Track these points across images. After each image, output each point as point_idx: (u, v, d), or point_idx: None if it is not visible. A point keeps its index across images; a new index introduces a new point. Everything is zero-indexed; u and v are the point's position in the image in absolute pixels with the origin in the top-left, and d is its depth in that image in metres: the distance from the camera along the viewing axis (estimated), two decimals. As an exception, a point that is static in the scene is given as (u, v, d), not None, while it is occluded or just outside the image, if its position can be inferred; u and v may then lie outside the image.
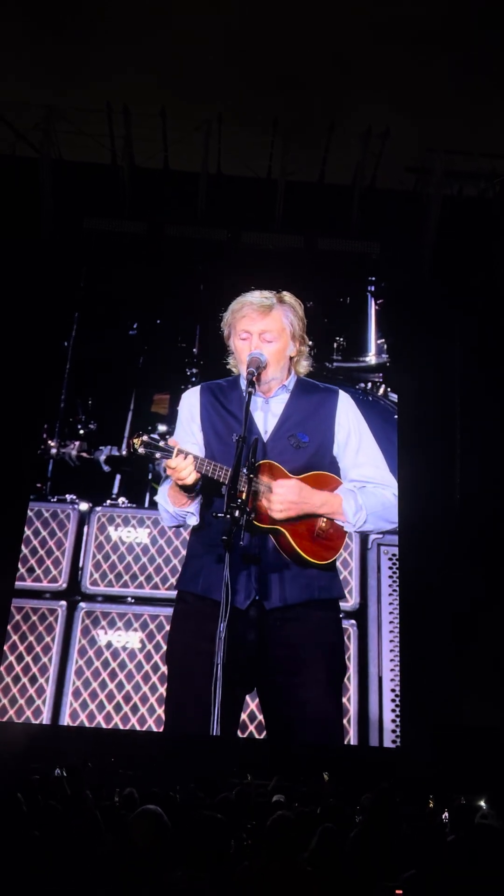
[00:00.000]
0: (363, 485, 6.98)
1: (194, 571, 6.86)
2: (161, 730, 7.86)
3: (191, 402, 7.07)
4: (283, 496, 6.41)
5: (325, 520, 6.70)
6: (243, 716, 7.68)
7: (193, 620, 6.92)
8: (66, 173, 10.12)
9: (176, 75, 10.27)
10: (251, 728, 7.78)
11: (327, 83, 10.71)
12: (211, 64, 10.31)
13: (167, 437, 6.14)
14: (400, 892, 3.15)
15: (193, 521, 6.77)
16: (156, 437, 5.81)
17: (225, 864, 3.28)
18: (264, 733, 7.59)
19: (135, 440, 5.64)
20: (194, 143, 10.11)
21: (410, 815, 5.27)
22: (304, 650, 6.96)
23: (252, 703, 7.54)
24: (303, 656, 6.96)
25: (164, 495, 6.74)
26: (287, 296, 6.94)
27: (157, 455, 5.70)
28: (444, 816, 5.91)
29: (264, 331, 6.73)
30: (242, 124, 10.16)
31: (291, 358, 6.94)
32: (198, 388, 7.16)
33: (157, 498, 6.95)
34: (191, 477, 6.01)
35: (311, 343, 7.23)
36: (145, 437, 5.68)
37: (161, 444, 5.75)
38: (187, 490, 6.31)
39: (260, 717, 7.53)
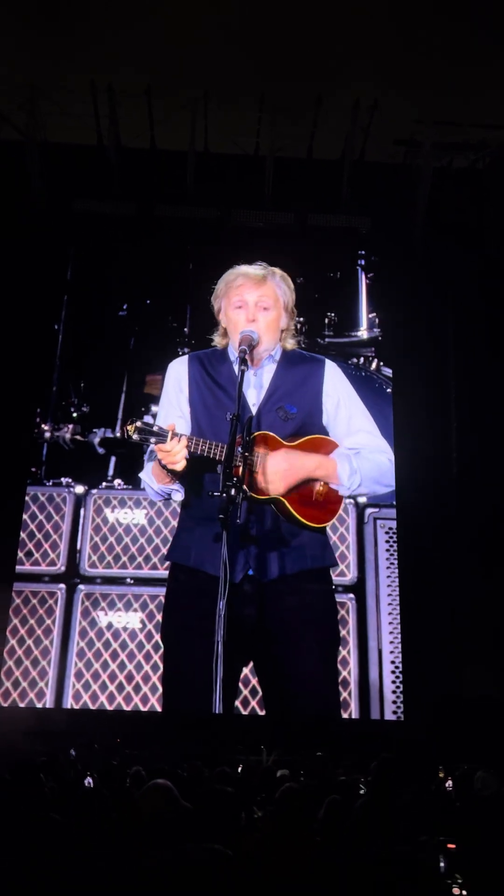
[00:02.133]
0: (358, 451, 6.97)
1: (185, 544, 6.87)
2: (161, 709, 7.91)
3: (178, 372, 7.03)
4: (275, 466, 6.40)
5: (322, 483, 6.70)
6: (245, 692, 7.73)
7: (187, 597, 6.94)
8: (53, 155, 10.05)
9: (160, 53, 10.15)
10: (253, 703, 7.83)
11: (313, 57, 10.59)
12: (196, 41, 10.20)
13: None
14: (452, 846, 3.18)
15: (178, 496, 6.80)
16: (149, 421, 5.79)
17: (236, 836, 3.31)
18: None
19: (128, 427, 5.61)
20: (181, 121, 10.04)
21: (415, 784, 5.31)
22: (297, 622, 6.99)
23: (254, 679, 7.59)
24: (296, 628, 7.00)
25: (149, 472, 6.74)
26: (277, 270, 6.94)
27: (153, 440, 5.68)
28: (447, 785, 5.97)
29: (260, 299, 6.71)
30: (229, 101, 10.04)
31: (282, 331, 6.91)
32: (185, 357, 7.12)
33: (141, 475, 6.94)
34: (182, 462, 5.99)
35: (301, 319, 7.21)
36: (139, 423, 5.65)
37: (155, 428, 5.72)
38: (176, 474, 6.28)
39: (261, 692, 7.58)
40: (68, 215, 10.10)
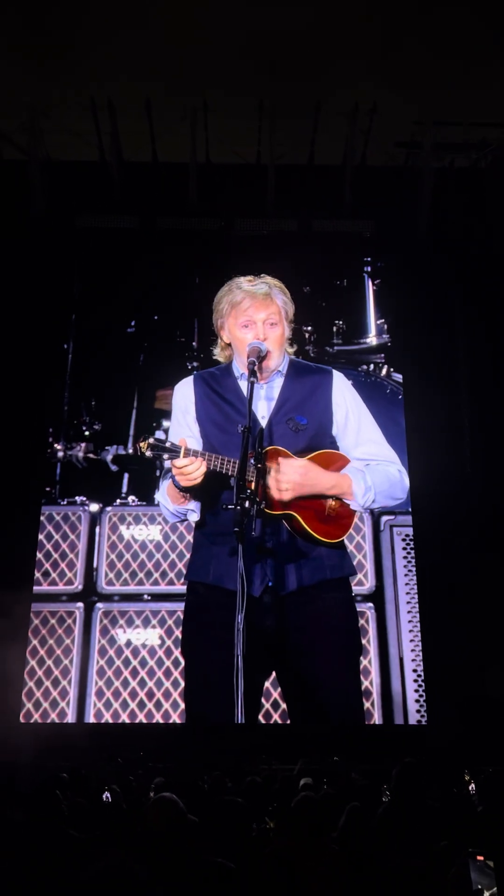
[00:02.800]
0: (367, 463, 6.93)
1: (203, 561, 6.83)
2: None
3: (184, 393, 7.00)
4: (289, 476, 6.34)
5: (334, 499, 6.66)
6: (267, 705, 7.72)
7: (206, 612, 6.89)
8: (56, 173, 10.09)
9: (158, 66, 10.14)
10: (275, 717, 7.82)
11: (310, 62, 10.57)
12: (192, 52, 10.19)
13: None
14: (482, 857, 3.13)
15: (194, 517, 6.73)
16: (161, 437, 5.75)
17: (247, 847, 3.29)
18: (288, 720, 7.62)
19: (141, 444, 5.55)
20: (181, 133, 10.05)
21: (436, 789, 5.29)
22: (320, 632, 6.92)
23: (275, 692, 7.57)
24: (318, 638, 6.93)
25: (164, 492, 6.71)
26: (275, 281, 6.89)
27: (166, 456, 5.64)
28: (471, 788, 5.94)
29: (268, 316, 6.68)
30: (228, 111, 10.06)
31: (288, 340, 6.88)
32: (190, 378, 7.08)
33: (157, 496, 6.91)
34: (199, 475, 5.94)
35: (309, 328, 7.18)
36: (151, 440, 5.59)
37: (168, 444, 5.69)
38: (191, 490, 6.25)
39: (283, 705, 7.56)
40: (72, 232, 10.12)
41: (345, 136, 10.19)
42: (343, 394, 7.00)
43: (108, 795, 5.33)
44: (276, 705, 7.76)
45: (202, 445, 6.60)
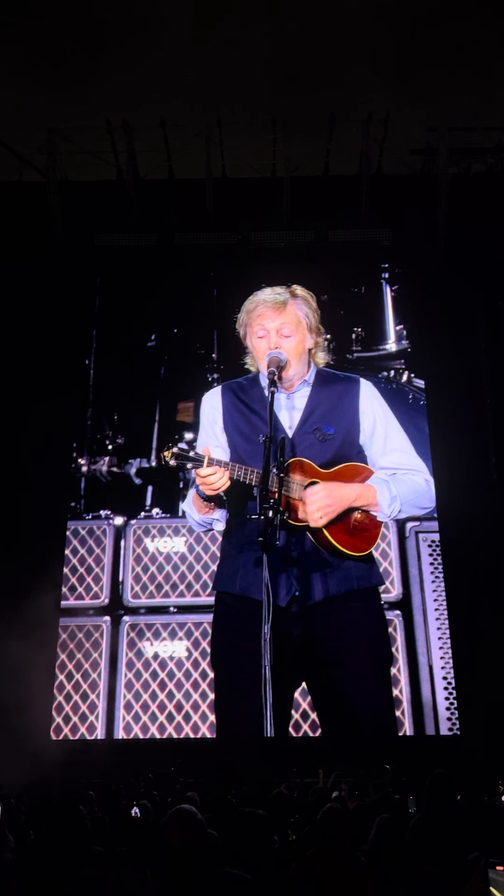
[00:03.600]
0: (394, 472, 6.90)
1: (230, 572, 6.82)
2: (214, 735, 7.86)
3: (212, 403, 7.03)
4: (318, 503, 6.32)
5: (360, 512, 6.63)
6: (296, 716, 7.67)
7: (235, 622, 6.87)
8: (74, 193, 10.20)
9: (172, 84, 10.29)
10: (305, 727, 7.76)
11: (323, 74, 10.65)
12: (204, 70, 10.32)
13: (194, 444, 6.12)
14: (501, 867, 3.09)
15: (220, 526, 6.73)
16: (185, 447, 5.75)
17: (267, 860, 3.26)
18: (318, 731, 7.57)
19: (165, 453, 5.56)
20: (197, 149, 10.14)
21: (464, 799, 5.21)
22: (350, 641, 6.88)
23: (304, 702, 7.52)
24: (348, 647, 6.89)
25: (189, 502, 6.73)
26: (299, 289, 6.87)
27: (189, 465, 5.64)
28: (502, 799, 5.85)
29: (281, 326, 6.67)
30: (243, 126, 10.14)
31: (310, 350, 6.87)
32: (218, 388, 7.11)
33: (183, 506, 6.93)
34: (221, 484, 5.93)
35: (328, 336, 7.16)
36: (175, 449, 5.59)
37: (191, 454, 5.69)
38: (215, 499, 6.26)
39: (313, 715, 7.51)
40: (91, 251, 10.22)
41: (359, 146, 10.20)
42: (370, 402, 6.98)
43: (137, 811, 5.31)
44: (305, 716, 7.70)
45: (229, 455, 6.61)
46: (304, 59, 10.53)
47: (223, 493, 6.01)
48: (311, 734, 7.75)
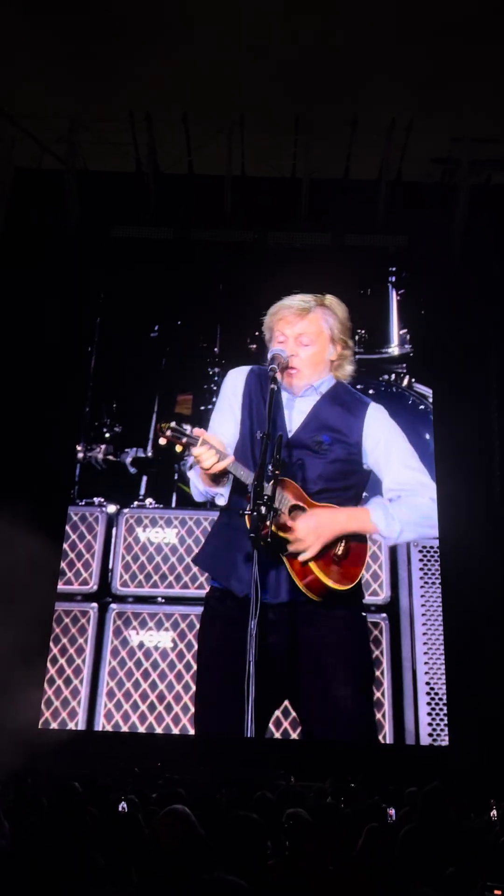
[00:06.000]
0: (398, 494, 6.90)
1: (211, 551, 6.89)
2: (194, 727, 7.87)
3: (236, 379, 7.11)
4: (304, 533, 6.34)
5: (341, 544, 6.64)
6: (277, 712, 7.66)
7: (218, 622, 6.94)
8: (92, 183, 10.26)
9: (196, 81, 10.32)
10: (286, 724, 7.74)
11: (348, 78, 10.65)
12: (230, 68, 10.34)
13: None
14: (499, 892, 3.06)
15: (221, 501, 6.75)
16: (181, 426, 5.75)
17: (261, 865, 3.20)
18: (298, 729, 7.57)
19: (162, 425, 5.59)
20: (218, 146, 10.17)
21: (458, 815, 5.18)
22: (330, 648, 6.91)
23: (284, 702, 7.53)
24: (329, 654, 6.91)
25: (196, 472, 6.76)
26: (328, 298, 6.91)
27: (183, 440, 5.67)
28: (492, 815, 5.78)
29: (301, 334, 6.71)
30: (265, 125, 10.17)
31: (332, 361, 6.89)
32: (246, 368, 7.17)
33: (189, 473, 6.96)
34: (214, 469, 5.97)
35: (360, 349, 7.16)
36: (173, 423, 5.63)
37: (187, 431, 5.73)
38: (215, 479, 6.30)
39: (293, 713, 7.50)
40: (105, 241, 10.27)
41: (380, 152, 10.20)
42: (376, 426, 6.99)
43: (125, 805, 5.29)
44: (286, 713, 7.69)
45: (239, 428, 6.66)
46: (329, 63, 10.52)
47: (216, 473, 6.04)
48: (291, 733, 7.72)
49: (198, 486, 6.82)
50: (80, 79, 10.24)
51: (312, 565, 6.50)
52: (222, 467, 5.97)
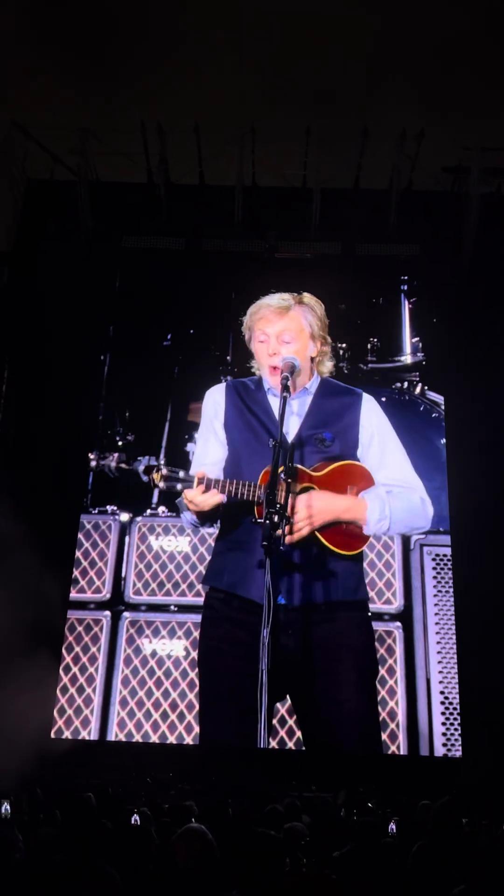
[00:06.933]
0: (389, 489, 6.85)
1: (219, 568, 6.83)
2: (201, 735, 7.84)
3: (215, 398, 7.04)
4: (303, 512, 6.29)
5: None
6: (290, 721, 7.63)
7: (222, 626, 6.87)
8: (104, 193, 10.32)
9: (207, 92, 10.40)
10: (299, 734, 7.72)
11: (359, 88, 10.71)
12: (241, 79, 10.42)
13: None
14: None
15: (208, 527, 6.75)
16: (175, 469, 5.71)
17: (279, 883, 3.16)
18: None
19: (154, 475, 5.56)
20: (228, 156, 10.22)
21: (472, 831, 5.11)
22: (334, 652, 6.84)
23: (282, 708, 7.51)
24: (334, 658, 6.84)
25: (183, 501, 6.75)
26: (306, 296, 6.86)
27: (179, 486, 5.63)
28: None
29: (282, 332, 6.65)
30: (276, 135, 10.22)
31: (313, 359, 6.85)
32: (223, 385, 7.13)
33: (177, 501, 6.94)
34: (206, 506, 5.91)
35: (343, 345, 7.15)
36: (164, 471, 5.58)
37: (181, 474, 5.68)
38: (206, 517, 6.25)
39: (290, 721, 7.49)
40: (117, 250, 10.32)
41: (391, 161, 10.22)
42: (370, 417, 6.94)
43: (138, 818, 5.26)
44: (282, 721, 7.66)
45: (227, 452, 6.62)
46: (340, 73, 10.59)
47: (221, 507, 6.00)
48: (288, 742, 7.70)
49: (185, 515, 6.72)
50: (92, 91, 10.34)
51: (317, 534, 6.38)
52: (214, 504, 5.92)
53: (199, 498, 5.71)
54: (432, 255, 10.29)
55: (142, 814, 5.27)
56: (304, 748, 7.59)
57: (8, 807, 5.38)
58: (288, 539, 6.12)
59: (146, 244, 10.42)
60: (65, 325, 9.52)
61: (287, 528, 6.04)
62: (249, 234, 10.42)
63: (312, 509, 6.24)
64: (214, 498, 5.79)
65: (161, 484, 5.52)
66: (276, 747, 7.70)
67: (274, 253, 10.38)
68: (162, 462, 5.55)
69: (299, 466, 6.31)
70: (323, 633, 6.66)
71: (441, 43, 10.61)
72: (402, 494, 6.79)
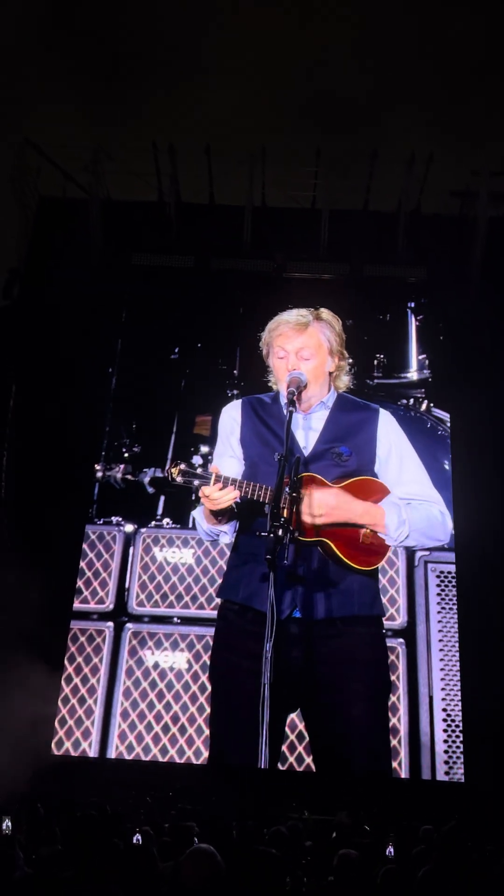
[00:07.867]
0: (409, 501, 6.83)
1: (234, 581, 6.80)
2: (208, 750, 7.78)
3: (231, 415, 7.05)
4: (322, 501, 6.29)
5: (368, 530, 6.56)
6: (292, 737, 7.58)
7: (236, 639, 6.82)
8: (115, 212, 10.46)
9: (219, 112, 10.55)
10: (300, 749, 7.67)
11: (368, 112, 10.85)
12: (252, 101, 10.58)
13: (209, 456, 6.12)
14: None
15: (225, 539, 6.70)
16: (193, 463, 5.75)
17: None
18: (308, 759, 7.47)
19: (172, 469, 5.56)
20: (239, 177, 10.35)
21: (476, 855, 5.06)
22: (348, 666, 6.77)
23: (292, 734, 7.47)
24: (347, 673, 6.77)
25: (200, 511, 6.74)
26: (324, 312, 6.88)
27: (196, 482, 5.65)
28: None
29: (301, 348, 6.65)
30: (286, 156, 10.37)
31: (331, 373, 6.87)
32: (238, 401, 7.13)
33: (194, 513, 6.95)
34: (224, 503, 5.93)
35: (350, 360, 7.15)
36: (183, 466, 5.59)
37: (199, 470, 5.71)
38: (221, 515, 6.25)
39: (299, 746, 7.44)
40: (127, 268, 10.42)
41: (400, 184, 10.34)
42: (388, 432, 6.94)
43: (140, 838, 5.22)
44: (301, 738, 7.62)
45: (244, 468, 6.62)
46: (350, 96, 10.74)
47: (234, 506, 6.02)
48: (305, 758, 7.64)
49: (202, 526, 6.73)
50: (105, 112, 10.49)
51: (332, 545, 6.34)
52: (231, 502, 5.92)
53: (216, 494, 5.72)
54: (440, 278, 10.37)
55: (144, 833, 5.24)
56: (302, 769, 7.53)
57: (9, 823, 5.37)
58: (308, 519, 6.10)
59: (155, 262, 10.53)
60: (73, 338, 9.59)
61: (303, 525, 6.04)
62: (258, 253, 10.52)
63: (333, 502, 6.23)
64: (230, 494, 5.79)
65: (179, 478, 5.52)
66: (292, 763, 7.62)
67: (282, 273, 10.46)
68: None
69: (318, 476, 6.30)
70: (336, 647, 6.60)
71: (451, 68, 10.77)
72: (421, 506, 6.77)
